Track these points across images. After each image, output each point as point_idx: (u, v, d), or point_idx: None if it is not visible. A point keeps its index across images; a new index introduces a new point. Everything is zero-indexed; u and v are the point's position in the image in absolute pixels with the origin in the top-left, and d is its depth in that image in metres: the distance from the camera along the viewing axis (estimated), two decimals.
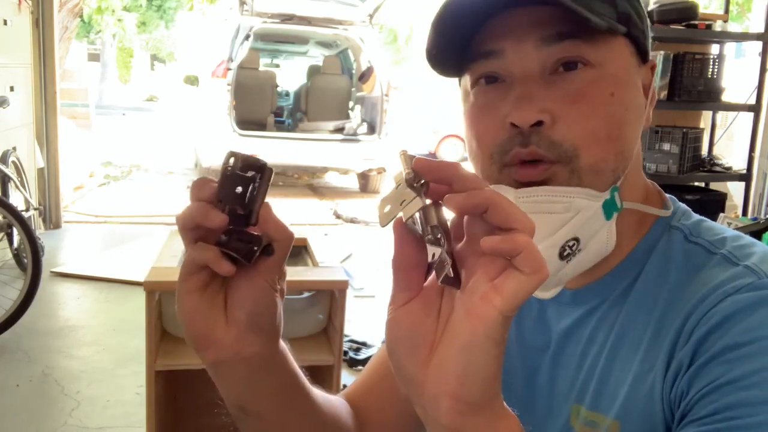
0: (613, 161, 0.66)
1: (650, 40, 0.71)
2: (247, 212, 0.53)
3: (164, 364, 1.58)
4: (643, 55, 0.70)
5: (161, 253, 1.80)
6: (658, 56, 3.46)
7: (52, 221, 5.49)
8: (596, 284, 0.72)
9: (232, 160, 0.51)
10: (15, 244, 3.99)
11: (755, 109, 3.92)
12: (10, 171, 4.15)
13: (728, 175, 4.08)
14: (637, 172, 0.72)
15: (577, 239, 0.65)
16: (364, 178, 8.03)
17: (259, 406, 0.67)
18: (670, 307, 0.66)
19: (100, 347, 3.22)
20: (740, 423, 0.56)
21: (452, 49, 0.67)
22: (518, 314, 0.75)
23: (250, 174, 0.52)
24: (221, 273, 0.56)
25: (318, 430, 0.75)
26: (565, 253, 0.66)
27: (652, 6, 3.60)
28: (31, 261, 3.24)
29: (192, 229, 0.55)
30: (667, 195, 0.76)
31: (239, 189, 0.52)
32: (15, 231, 3.57)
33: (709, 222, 0.73)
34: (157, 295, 1.61)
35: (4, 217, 3.45)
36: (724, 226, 0.73)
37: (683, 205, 0.75)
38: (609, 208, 0.66)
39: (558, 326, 0.74)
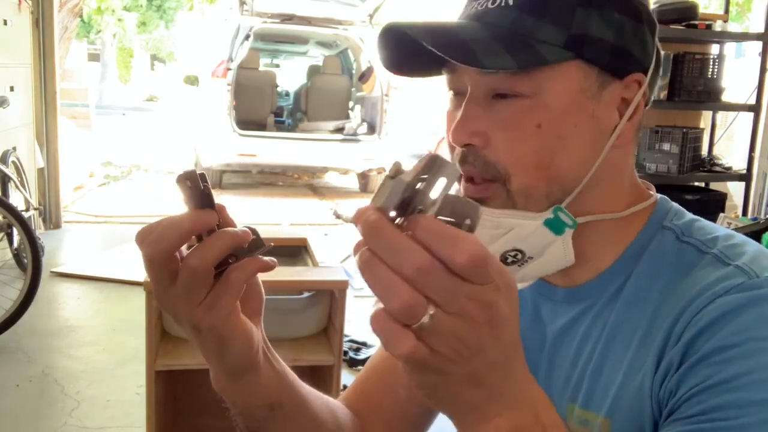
0: (544, 187, 0.68)
1: (640, 50, 0.68)
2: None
3: (164, 364, 1.58)
4: (616, 71, 0.68)
5: None
6: None
7: (52, 221, 5.49)
8: (590, 284, 0.72)
9: (188, 182, 0.56)
10: (15, 244, 3.99)
11: (755, 109, 3.92)
12: (10, 171, 4.15)
13: (728, 175, 4.09)
14: (616, 181, 0.72)
15: (520, 250, 0.69)
16: (364, 178, 8.03)
17: (286, 396, 0.72)
18: (661, 307, 0.67)
19: (100, 347, 3.22)
20: (726, 425, 0.57)
21: (417, 56, 0.69)
22: None
23: (204, 186, 0.56)
24: (267, 269, 0.60)
25: (325, 410, 0.79)
26: (509, 261, 0.69)
27: (652, 6, 3.59)
28: (31, 261, 3.24)
29: (177, 243, 0.57)
30: (660, 195, 0.76)
31: (203, 200, 0.56)
32: (15, 231, 3.57)
33: (702, 221, 0.73)
34: None
35: (4, 217, 3.45)
36: (716, 225, 0.73)
37: (676, 205, 0.75)
38: (555, 225, 0.68)
39: (553, 325, 0.75)
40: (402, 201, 0.43)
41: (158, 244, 0.56)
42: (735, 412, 0.57)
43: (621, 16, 0.67)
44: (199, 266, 0.56)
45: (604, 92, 0.67)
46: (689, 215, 0.74)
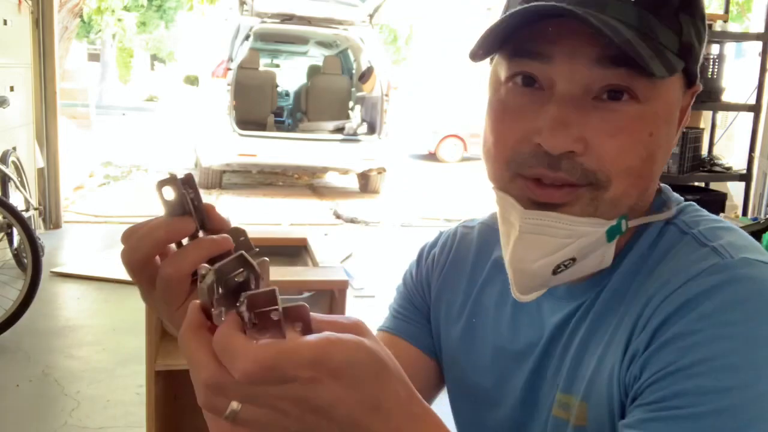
0: (635, 197, 0.65)
1: (701, 61, 0.67)
2: (200, 220, 0.56)
3: (164, 364, 1.58)
4: (691, 79, 0.66)
5: None
6: None
7: (52, 221, 5.49)
8: (591, 281, 0.72)
9: (166, 188, 0.54)
10: (15, 244, 3.99)
11: (755, 109, 3.92)
12: (10, 171, 4.15)
13: (728, 175, 4.09)
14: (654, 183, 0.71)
15: (573, 259, 0.65)
16: (364, 178, 8.03)
17: None
18: (638, 291, 0.66)
19: (100, 347, 3.22)
20: (683, 413, 0.56)
21: (494, 35, 0.62)
22: (514, 309, 0.78)
23: (190, 192, 0.54)
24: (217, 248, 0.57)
25: None
26: (559, 270, 0.66)
27: None
28: (31, 261, 3.24)
29: (152, 252, 0.56)
30: (674, 194, 0.74)
31: (180, 208, 0.54)
32: (15, 231, 3.57)
33: (705, 213, 0.72)
34: None
35: (4, 217, 3.45)
36: (720, 218, 0.72)
37: (691, 205, 0.73)
38: (613, 232, 0.65)
39: (551, 320, 0.75)
40: (219, 296, 0.45)
41: (135, 252, 0.56)
42: (693, 399, 0.56)
43: (701, 25, 0.65)
44: (173, 275, 0.55)
45: (681, 101, 0.67)
46: (697, 211, 0.72)
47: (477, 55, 0.65)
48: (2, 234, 3.81)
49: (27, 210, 4.16)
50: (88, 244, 5.24)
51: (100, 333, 3.41)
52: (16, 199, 4.21)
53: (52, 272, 4.27)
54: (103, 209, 6.30)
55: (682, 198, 0.73)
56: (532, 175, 0.63)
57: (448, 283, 0.85)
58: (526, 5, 0.60)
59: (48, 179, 5.41)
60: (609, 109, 0.61)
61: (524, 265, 0.66)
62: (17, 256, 4.01)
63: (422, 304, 0.87)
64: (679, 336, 0.59)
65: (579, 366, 0.70)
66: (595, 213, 0.64)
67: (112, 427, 2.46)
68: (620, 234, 0.66)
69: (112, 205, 6.50)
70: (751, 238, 0.68)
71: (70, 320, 3.67)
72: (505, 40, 0.63)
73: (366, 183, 8.08)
